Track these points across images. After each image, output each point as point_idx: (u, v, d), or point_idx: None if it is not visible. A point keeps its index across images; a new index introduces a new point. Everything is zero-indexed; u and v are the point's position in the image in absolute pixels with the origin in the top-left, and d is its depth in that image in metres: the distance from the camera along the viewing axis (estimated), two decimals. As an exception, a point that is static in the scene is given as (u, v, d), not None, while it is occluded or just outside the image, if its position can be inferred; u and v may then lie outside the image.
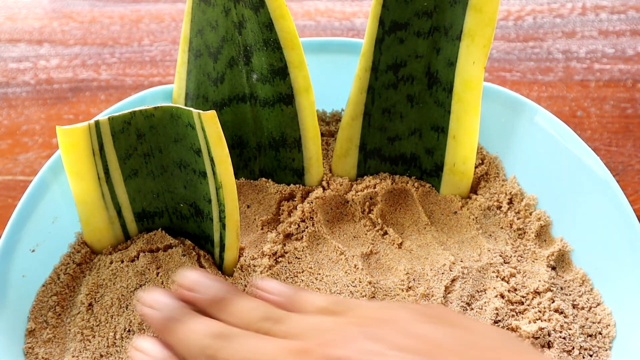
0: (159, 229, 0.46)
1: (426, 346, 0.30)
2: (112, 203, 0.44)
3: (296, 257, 0.46)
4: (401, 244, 0.47)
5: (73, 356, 0.41)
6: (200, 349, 0.34)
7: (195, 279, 0.37)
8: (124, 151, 0.42)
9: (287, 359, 0.32)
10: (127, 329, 0.42)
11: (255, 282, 0.38)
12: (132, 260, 0.45)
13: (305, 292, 0.37)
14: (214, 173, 0.41)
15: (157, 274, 0.44)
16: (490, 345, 0.31)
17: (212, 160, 0.40)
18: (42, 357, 0.41)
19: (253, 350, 0.33)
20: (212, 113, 0.39)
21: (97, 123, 0.40)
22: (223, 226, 0.43)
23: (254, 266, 0.45)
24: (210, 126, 0.39)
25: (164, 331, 0.36)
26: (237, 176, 0.48)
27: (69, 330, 0.43)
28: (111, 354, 0.42)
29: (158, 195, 0.45)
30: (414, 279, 0.45)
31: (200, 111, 0.39)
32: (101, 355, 0.41)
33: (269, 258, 0.45)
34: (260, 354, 0.32)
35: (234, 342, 0.33)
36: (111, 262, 0.44)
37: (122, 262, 0.44)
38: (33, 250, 0.44)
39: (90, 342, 0.42)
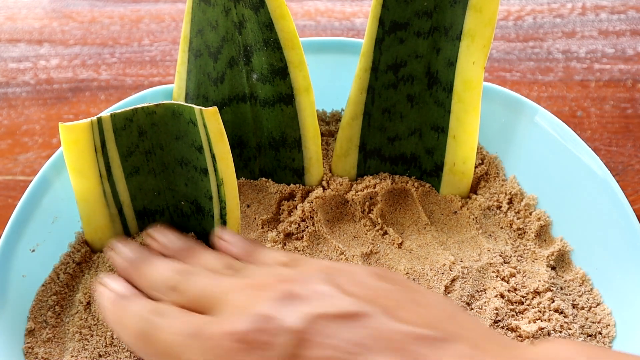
0: (159, 225, 0.46)
1: (373, 295, 0.33)
2: (114, 201, 0.44)
3: (296, 257, 0.46)
4: (401, 243, 0.47)
5: (72, 356, 0.41)
6: (163, 282, 0.37)
7: (163, 232, 0.42)
8: (126, 148, 0.42)
9: (243, 291, 0.34)
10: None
11: (217, 232, 0.41)
12: None
13: (266, 248, 0.40)
14: (215, 170, 0.41)
15: None
16: (429, 302, 0.34)
17: (213, 156, 0.40)
18: (42, 357, 0.41)
19: (212, 283, 0.35)
20: (214, 109, 0.39)
21: (99, 120, 0.40)
22: (224, 223, 0.43)
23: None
24: (211, 122, 0.39)
25: (131, 271, 0.39)
26: (237, 176, 0.48)
27: (68, 330, 0.43)
28: (110, 354, 0.42)
29: (159, 193, 0.45)
30: (414, 279, 0.45)
31: (202, 107, 0.39)
32: (100, 355, 0.41)
33: (269, 258, 0.45)
34: (217, 286, 0.35)
35: (194, 276, 0.36)
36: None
37: None
38: (33, 250, 0.44)
39: (88, 341, 0.42)
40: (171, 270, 0.37)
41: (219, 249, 0.41)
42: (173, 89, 0.48)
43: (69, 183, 0.43)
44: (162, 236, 0.42)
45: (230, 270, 0.37)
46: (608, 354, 0.31)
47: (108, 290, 0.38)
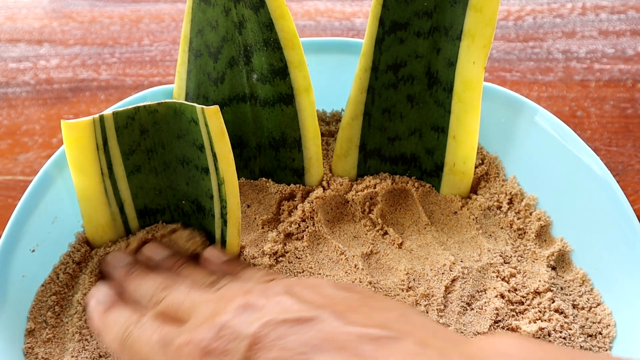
0: (160, 222, 0.46)
1: (327, 302, 0.35)
2: (115, 199, 0.44)
3: (297, 256, 0.46)
4: (401, 244, 0.47)
5: (72, 356, 0.41)
6: (146, 295, 0.40)
7: (156, 252, 0.44)
8: (128, 147, 0.42)
9: (210, 303, 0.37)
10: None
11: (203, 252, 0.44)
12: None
13: (248, 268, 0.42)
14: (217, 169, 0.41)
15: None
16: (383, 307, 0.35)
17: (214, 155, 0.40)
18: (42, 357, 0.41)
19: (186, 297, 0.38)
20: (215, 108, 0.39)
21: (101, 117, 0.40)
22: (224, 222, 0.43)
23: (255, 265, 0.45)
24: (213, 121, 0.39)
25: (122, 282, 0.42)
26: (237, 176, 0.48)
27: (68, 330, 0.43)
28: (110, 354, 0.42)
29: (160, 192, 0.45)
30: (414, 279, 0.45)
31: (204, 106, 0.39)
32: (100, 356, 0.41)
33: (269, 257, 0.45)
34: (190, 299, 0.38)
35: (173, 290, 0.39)
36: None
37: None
38: (33, 250, 0.44)
39: (88, 342, 0.42)
40: (156, 284, 0.41)
41: (206, 267, 0.43)
42: (173, 89, 0.48)
43: (71, 182, 0.43)
44: (154, 255, 0.44)
45: (211, 286, 0.40)
46: (552, 350, 0.31)
47: (94, 299, 0.41)
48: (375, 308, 0.35)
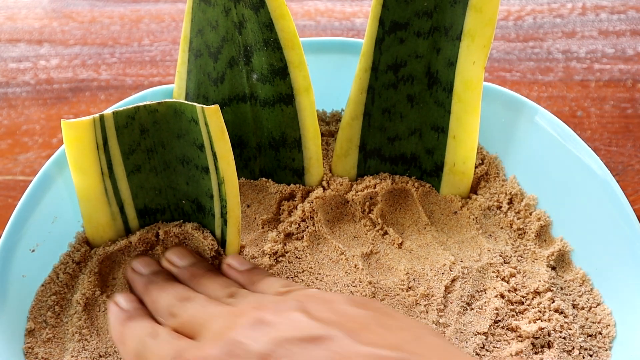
0: (160, 222, 0.46)
1: (341, 319, 0.34)
2: (115, 199, 0.44)
3: (297, 256, 0.46)
4: (401, 244, 0.47)
5: (72, 356, 0.41)
6: (165, 307, 0.40)
7: (180, 255, 0.44)
8: (128, 146, 0.42)
9: (223, 317, 0.36)
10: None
11: (226, 259, 0.43)
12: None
13: (268, 277, 0.42)
14: (217, 168, 0.41)
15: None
16: (399, 326, 0.35)
17: (214, 155, 0.40)
18: (42, 357, 0.41)
19: (202, 310, 0.38)
20: (216, 107, 0.39)
21: (101, 117, 0.40)
22: (224, 222, 0.43)
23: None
24: (213, 121, 0.39)
25: (143, 291, 0.42)
26: (237, 176, 0.48)
27: (67, 330, 0.43)
28: (110, 354, 0.42)
29: (160, 192, 0.45)
30: (414, 279, 0.45)
31: (204, 106, 0.39)
32: (100, 355, 0.41)
33: (269, 257, 0.45)
34: (206, 312, 0.38)
35: (191, 302, 0.39)
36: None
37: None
38: (33, 250, 0.44)
39: (88, 342, 0.42)
40: (174, 296, 0.40)
41: (227, 275, 0.43)
42: (173, 89, 0.48)
43: (71, 182, 0.43)
44: (178, 260, 0.43)
45: (231, 298, 0.39)
46: None
47: (116, 307, 0.41)
48: (390, 327, 0.34)
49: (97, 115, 0.40)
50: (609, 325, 0.43)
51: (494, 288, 0.44)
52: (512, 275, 0.45)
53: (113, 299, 0.42)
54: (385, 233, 0.47)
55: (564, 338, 0.42)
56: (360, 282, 0.44)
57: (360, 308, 0.36)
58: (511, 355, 0.41)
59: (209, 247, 0.44)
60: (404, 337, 0.33)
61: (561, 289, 0.45)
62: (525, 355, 0.41)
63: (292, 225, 0.47)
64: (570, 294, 0.45)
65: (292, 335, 0.33)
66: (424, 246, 0.47)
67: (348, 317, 0.35)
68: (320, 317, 0.34)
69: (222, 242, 0.44)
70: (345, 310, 0.35)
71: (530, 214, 0.48)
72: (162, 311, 0.40)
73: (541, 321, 0.43)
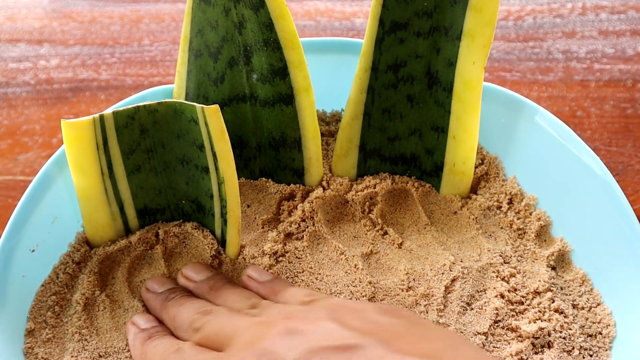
0: (160, 222, 0.46)
1: (373, 328, 0.34)
2: (115, 199, 0.44)
3: (297, 256, 0.46)
4: (401, 244, 0.47)
5: (72, 356, 0.41)
6: (186, 322, 0.39)
7: (197, 270, 0.43)
8: (128, 146, 0.42)
9: (252, 328, 0.36)
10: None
11: (246, 270, 0.43)
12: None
13: (291, 287, 0.41)
14: (217, 168, 0.41)
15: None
16: (432, 336, 0.34)
17: (214, 155, 0.40)
18: (42, 357, 0.41)
19: (227, 322, 0.37)
20: (215, 107, 0.39)
21: (101, 117, 0.40)
22: (224, 222, 0.43)
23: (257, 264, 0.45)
24: (213, 121, 0.39)
25: (161, 310, 0.41)
26: (237, 176, 0.48)
27: (67, 330, 0.43)
28: (110, 354, 0.42)
29: (160, 192, 0.45)
30: (414, 279, 0.45)
31: (204, 106, 0.39)
32: (100, 356, 0.41)
33: (269, 257, 0.45)
34: (231, 324, 0.37)
35: (214, 315, 0.38)
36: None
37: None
38: (33, 250, 0.44)
39: (88, 342, 0.42)
40: (195, 311, 0.39)
41: (247, 287, 0.42)
42: (173, 89, 0.48)
43: (71, 182, 0.43)
44: (195, 275, 0.43)
45: (254, 309, 0.39)
46: None
47: (135, 328, 0.41)
48: (422, 336, 0.34)
49: (97, 115, 0.40)
50: (609, 325, 0.43)
51: (494, 288, 0.44)
52: (512, 275, 0.45)
53: (130, 319, 0.41)
54: (385, 233, 0.47)
55: (564, 338, 0.42)
56: (360, 282, 0.44)
57: (390, 317, 0.35)
58: (511, 355, 0.41)
59: (208, 247, 0.44)
60: (437, 346, 0.33)
61: (561, 289, 0.45)
62: (525, 355, 0.41)
63: (292, 225, 0.47)
64: (570, 294, 0.45)
65: (326, 344, 0.33)
66: (424, 246, 0.47)
67: (380, 326, 0.34)
68: (352, 325, 0.34)
69: (222, 242, 0.44)
70: (377, 318, 0.35)
71: (530, 214, 0.48)
72: (183, 327, 0.39)
73: (541, 321, 0.43)
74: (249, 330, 0.36)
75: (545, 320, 0.43)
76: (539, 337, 0.42)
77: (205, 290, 0.42)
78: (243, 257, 0.45)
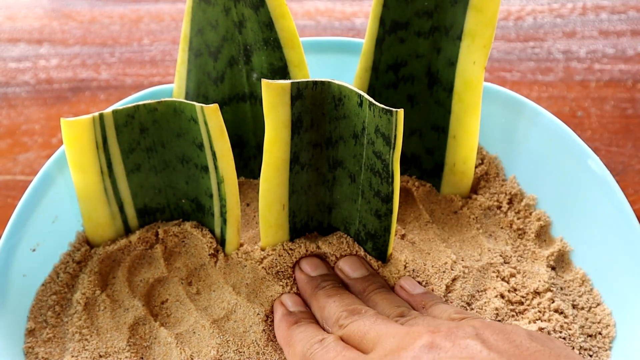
0: (160, 221, 0.46)
1: (517, 352, 0.33)
2: (115, 198, 0.44)
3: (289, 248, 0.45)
4: (404, 235, 0.47)
5: (72, 356, 0.41)
6: (333, 317, 0.40)
7: (351, 263, 0.43)
8: (127, 145, 0.42)
9: (396, 337, 0.36)
10: (127, 329, 0.42)
11: (399, 281, 0.43)
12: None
13: (441, 303, 0.41)
14: (216, 167, 0.41)
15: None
16: None
17: (214, 154, 0.40)
18: (42, 357, 0.41)
19: (373, 326, 0.38)
20: (215, 107, 0.39)
21: (101, 116, 0.40)
22: (224, 221, 0.43)
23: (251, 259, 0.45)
24: (212, 120, 0.39)
25: (310, 295, 0.42)
26: (237, 175, 0.48)
27: (68, 330, 0.43)
28: (110, 354, 0.42)
29: (160, 191, 0.45)
30: (413, 269, 0.44)
31: (203, 105, 0.39)
32: (100, 355, 0.41)
33: (260, 251, 0.45)
34: (378, 329, 0.37)
35: (361, 316, 0.39)
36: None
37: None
38: (33, 250, 0.44)
39: (88, 341, 0.42)
40: (343, 307, 0.40)
41: (400, 296, 0.43)
42: (173, 89, 0.48)
43: (71, 182, 0.43)
44: (351, 271, 0.43)
45: (402, 318, 0.39)
46: None
47: (283, 308, 0.42)
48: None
49: (96, 114, 0.40)
50: (609, 325, 0.43)
51: (494, 288, 0.44)
52: (512, 275, 0.45)
53: (280, 298, 0.42)
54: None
55: (564, 338, 0.42)
56: (360, 281, 0.44)
57: (540, 344, 0.34)
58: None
59: (207, 246, 0.44)
60: None
61: (561, 289, 0.45)
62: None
63: (292, 225, 0.47)
64: (570, 294, 0.45)
65: None
66: (426, 241, 0.47)
67: (526, 351, 0.34)
68: (497, 347, 0.34)
69: (222, 241, 0.44)
70: (524, 343, 0.34)
71: (530, 214, 0.48)
72: (329, 319, 0.40)
73: (541, 321, 0.43)
74: (394, 338, 0.36)
75: (545, 320, 0.43)
76: (539, 337, 0.42)
77: (359, 290, 0.42)
78: (236, 253, 0.45)
